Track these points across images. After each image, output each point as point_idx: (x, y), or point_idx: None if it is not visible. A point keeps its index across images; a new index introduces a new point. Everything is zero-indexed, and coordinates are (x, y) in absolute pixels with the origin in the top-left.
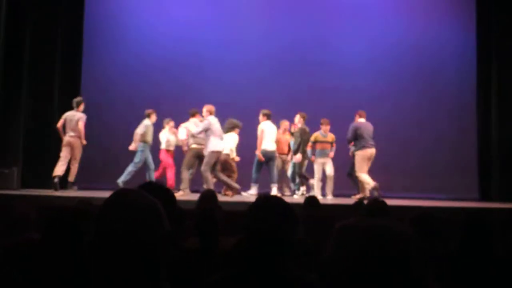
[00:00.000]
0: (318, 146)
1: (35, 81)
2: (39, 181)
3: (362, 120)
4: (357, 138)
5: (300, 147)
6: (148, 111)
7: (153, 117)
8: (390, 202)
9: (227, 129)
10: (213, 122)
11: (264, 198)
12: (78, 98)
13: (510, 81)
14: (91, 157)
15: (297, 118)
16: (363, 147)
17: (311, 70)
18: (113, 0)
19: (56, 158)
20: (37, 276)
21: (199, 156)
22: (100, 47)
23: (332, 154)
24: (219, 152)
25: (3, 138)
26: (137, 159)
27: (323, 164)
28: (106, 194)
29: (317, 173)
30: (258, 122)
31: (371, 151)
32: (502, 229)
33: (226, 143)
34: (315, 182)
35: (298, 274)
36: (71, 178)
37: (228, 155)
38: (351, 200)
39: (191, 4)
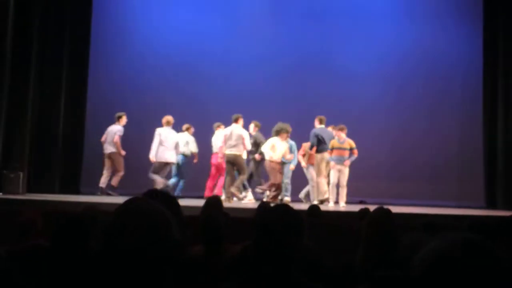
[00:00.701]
0: (335, 153)
1: (41, 86)
2: (45, 185)
3: (322, 126)
4: (319, 143)
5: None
6: (186, 125)
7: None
8: (395, 209)
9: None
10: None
11: (272, 206)
12: (119, 113)
13: None
14: (97, 163)
15: (252, 127)
16: (323, 150)
17: (316, 77)
18: (120, 5)
19: (62, 162)
20: (45, 283)
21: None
22: (106, 53)
23: (347, 162)
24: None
25: (9, 142)
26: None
27: (339, 171)
28: (111, 199)
29: (332, 179)
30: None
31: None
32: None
33: (278, 149)
34: (330, 188)
35: (305, 283)
36: (114, 183)
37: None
38: (354, 207)
39: (197, 10)
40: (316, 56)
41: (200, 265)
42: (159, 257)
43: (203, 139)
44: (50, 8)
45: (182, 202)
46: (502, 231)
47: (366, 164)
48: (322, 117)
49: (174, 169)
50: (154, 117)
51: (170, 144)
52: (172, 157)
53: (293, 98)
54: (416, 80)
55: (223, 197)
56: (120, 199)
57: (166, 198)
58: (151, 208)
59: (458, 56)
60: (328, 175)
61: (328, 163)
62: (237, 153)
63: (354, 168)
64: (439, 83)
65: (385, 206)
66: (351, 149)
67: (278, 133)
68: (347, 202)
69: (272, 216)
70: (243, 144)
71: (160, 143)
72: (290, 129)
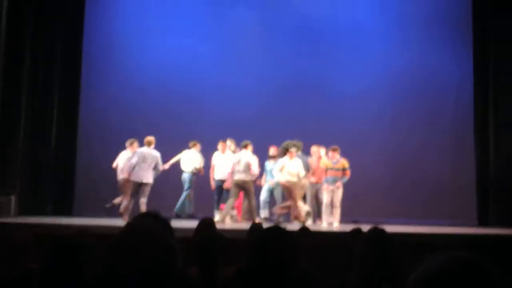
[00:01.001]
0: (329, 174)
1: (33, 108)
2: (37, 208)
3: (299, 153)
4: None
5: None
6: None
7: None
8: (389, 229)
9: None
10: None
11: (266, 227)
12: (130, 140)
13: (507, 107)
14: (90, 185)
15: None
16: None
17: (310, 99)
18: (113, 18)
19: (55, 184)
20: None
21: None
22: (98, 75)
23: (339, 184)
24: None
25: (0, 165)
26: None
27: (332, 192)
28: (103, 222)
29: (325, 199)
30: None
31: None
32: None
33: (294, 168)
34: (324, 208)
35: None
36: (117, 202)
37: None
38: (347, 227)
39: (188, 32)
40: (309, 77)
41: (195, 287)
42: (160, 284)
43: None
44: (41, 25)
45: (174, 223)
46: (498, 249)
47: (360, 183)
48: (299, 142)
49: (186, 184)
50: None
51: (147, 164)
52: (148, 178)
53: (286, 120)
54: (409, 101)
55: (217, 218)
56: (110, 222)
57: (158, 220)
58: (156, 233)
59: (450, 77)
60: (316, 197)
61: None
62: (246, 178)
63: (348, 187)
64: (431, 104)
65: (379, 226)
66: (343, 170)
67: (285, 151)
68: (341, 222)
69: (266, 237)
70: (251, 170)
71: (137, 163)
72: (299, 144)
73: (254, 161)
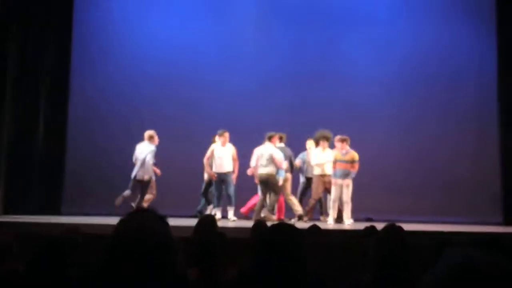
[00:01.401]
0: (337, 166)
1: (19, 101)
2: (23, 206)
3: (282, 144)
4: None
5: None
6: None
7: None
8: (406, 227)
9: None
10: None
11: (271, 225)
12: (149, 132)
13: None
14: (79, 181)
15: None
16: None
17: (314, 83)
18: (103, 11)
19: (42, 181)
20: None
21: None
22: (89, 60)
23: (348, 182)
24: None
25: None
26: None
27: (341, 187)
28: (96, 220)
29: (333, 194)
30: (258, 139)
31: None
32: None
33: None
34: (331, 203)
35: None
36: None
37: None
38: (360, 225)
39: (189, 14)
40: (313, 60)
41: None
42: (161, 285)
43: (190, 150)
44: (29, 22)
45: (173, 221)
46: None
47: (371, 177)
48: (283, 134)
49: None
50: (137, 132)
51: (139, 160)
52: (140, 175)
53: (289, 106)
54: (424, 85)
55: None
56: (105, 220)
57: (154, 217)
58: (156, 229)
59: (471, 56)
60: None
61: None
62: (270, 172)
63: (358, 181)
64: (449, 87)
65: (395, 223)
66: (352, 162)
67: (317, 141)
68: (353, 220)
69: (271, 236)
70: (275, 163)
71: (135, 160)
72: (330, 135)
73: (278, 153)
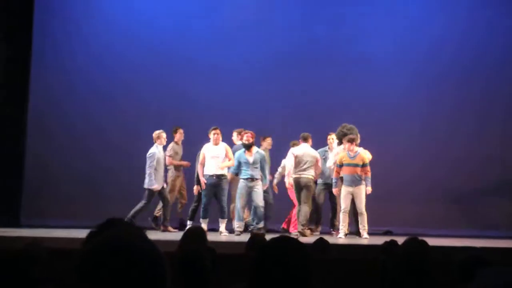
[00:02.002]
0: (345, 171)
1: None
2: None
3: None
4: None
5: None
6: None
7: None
8: (431, 241)
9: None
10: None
11: (271, 239)
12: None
13: None
14: (41, 188)
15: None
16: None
17: (330, 72)
18: None
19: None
20: None
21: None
22: (52, 43)
23: (363, 188)
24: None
25: None
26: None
27: (351, 194)
28: (60, 233)
29: (343, 205)
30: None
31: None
32: None
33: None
34: (341, 216)
35: None
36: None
37: None
38: (377, 240)
39: None
40: (323, 40)
41: None
42: None
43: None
44: None
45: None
46: None
47: (391, 184)
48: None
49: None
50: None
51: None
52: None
53: (291, 96)
54: (453, 76)
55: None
56: (71, 233)
57: (128, 228)
58: (145, 247)
59: (507, 42)
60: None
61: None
62: (310, 177)
63: (374, 188)
64: (486, 81)
65: (418, 237)
66: (363, 166)
67: (341, 139)
68: (369, 233)
69: (270, 252)
70: (317, 166)
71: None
72: (355, 136)
73: (319, 156)
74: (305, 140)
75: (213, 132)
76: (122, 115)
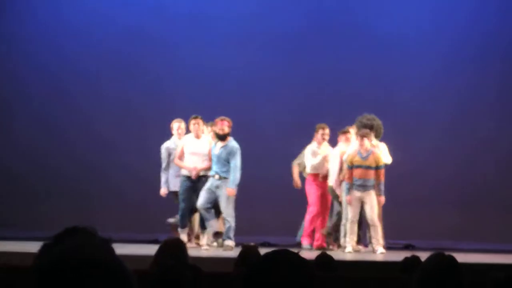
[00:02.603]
0: (356, 173)
1: None
2: None
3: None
4: None
5: None
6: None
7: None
8: (461, 257)
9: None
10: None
11: (265, 255)
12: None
13: None
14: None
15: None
16: None
17: (335, 50)
18: None
19: None
20: None
21: None
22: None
23: (379, 196)
24: None
25: None
26: None
27: (361, 202)
28: (11, 246)
29: (350, 214)
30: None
31: None
32: None
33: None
34: (348, 226)
35: None
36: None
37: None
38: (395, 255)
39: None
40: (336, 16)
41: None
42: None
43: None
44: None
45: (126, 248)
46: None
47: (412, 190)
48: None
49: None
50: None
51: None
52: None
53: (299, 82)
54: (493, 63)
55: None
56: (20, 246)
57: (90, 240)
58: (103, 260)
59: None
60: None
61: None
62: None
63: (393, 195)
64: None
65: (446, 253)
66: (376, 168)
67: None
68: (387, 247)
69: (264, 269)
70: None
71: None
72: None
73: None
74: (343, 134)
75: (192, 122)
76: (89, 105)
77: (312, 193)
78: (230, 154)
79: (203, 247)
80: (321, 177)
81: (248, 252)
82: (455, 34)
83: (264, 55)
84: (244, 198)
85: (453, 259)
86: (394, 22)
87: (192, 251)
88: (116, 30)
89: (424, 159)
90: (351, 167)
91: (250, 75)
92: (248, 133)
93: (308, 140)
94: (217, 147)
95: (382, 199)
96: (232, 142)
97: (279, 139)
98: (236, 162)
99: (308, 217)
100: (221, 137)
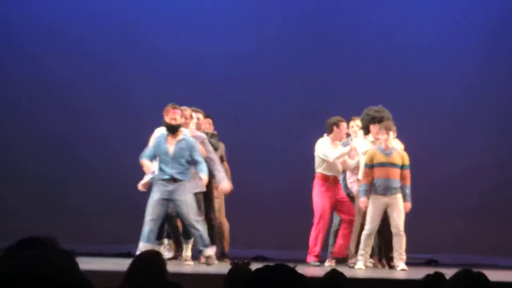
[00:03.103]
0: (378, 173)
1: None
2: None
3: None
4: None
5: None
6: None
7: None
8: (492, 275)
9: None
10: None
11: (257, 270)
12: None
13: None
14: None
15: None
16: None
17: (341, 48)
18: None
19: None
20: None
21: None
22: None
23: (408, 205)
24: None
25: None
26: None
27: (386, 207)
28: None
29: (370, 223)
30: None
31: None
32: None
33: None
34: (363, 238)
35: None
36: None
37: None
38: (416, 272)
39: None
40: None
41: None
42: None
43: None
44: None
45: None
46: None
47: (436, 198)
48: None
49: None
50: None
51: None
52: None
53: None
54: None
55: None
56: None
57: (50, 252)
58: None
59: None
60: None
61: None
62: None
63: (414, 204)
64: None
65: (474, 270)
66: (402, 168)
67: (367, 128)
68: (408, 263)
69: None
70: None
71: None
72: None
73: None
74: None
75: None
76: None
77: (318, 202)
78: (192, 149)
79: (186, 261)
80: (331, 180)
81: (238, 269)
82: (458, 34)
83: (264, 53)
84: (235, 205)
85: (482, 275)
86: (398, 19)
87: (172, 266)
88: (111, 25)
89: (447, 162)
90: (371, 165)
91: (250, 74)
92: (245, 136)
93: (306, 145)
94: (168, 144)
95: (408, 205)
96: (187, 135)
97: (278, 141)
98: (198, 156)
99: (313, 232)
100: (173, 129)
